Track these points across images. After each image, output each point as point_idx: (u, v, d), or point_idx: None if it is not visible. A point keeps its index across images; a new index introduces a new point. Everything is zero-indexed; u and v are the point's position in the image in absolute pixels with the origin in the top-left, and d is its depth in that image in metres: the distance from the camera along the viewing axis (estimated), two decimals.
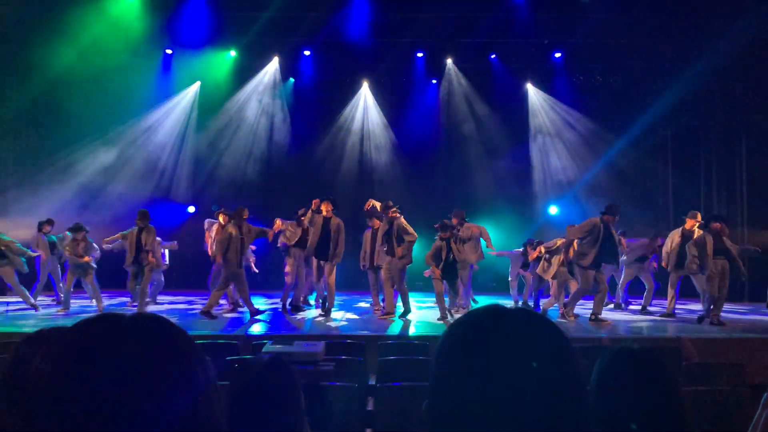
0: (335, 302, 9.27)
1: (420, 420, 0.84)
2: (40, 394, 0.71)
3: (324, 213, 8.89)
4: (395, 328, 7.68)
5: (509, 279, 10.89)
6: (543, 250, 9.26)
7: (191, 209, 13.73)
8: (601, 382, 1.55)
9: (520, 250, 10.35)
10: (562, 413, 0.77)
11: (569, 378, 0.80)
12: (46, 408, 0.69)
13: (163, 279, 10.69)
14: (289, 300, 9.31)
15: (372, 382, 5.01)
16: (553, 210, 13.86)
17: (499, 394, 0.76)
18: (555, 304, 9.05)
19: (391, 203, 8.82)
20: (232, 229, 8.55)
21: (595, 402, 1.50)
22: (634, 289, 10.87)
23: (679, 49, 12.21)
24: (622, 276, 10.28)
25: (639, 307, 9.88)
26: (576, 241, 8.54)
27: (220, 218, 9.47)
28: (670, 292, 9.14)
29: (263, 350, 4.31)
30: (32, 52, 11.89)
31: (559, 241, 9.11)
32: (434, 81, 14.23)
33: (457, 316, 6.95)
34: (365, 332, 7.24)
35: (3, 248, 9.10)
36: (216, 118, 13.96)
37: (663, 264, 9.40)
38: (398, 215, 8.71)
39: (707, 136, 12.91)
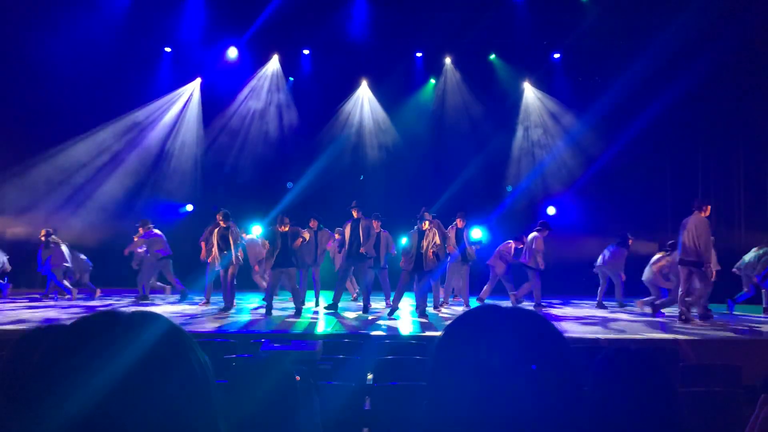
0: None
1: (418, 420, 0.84)
2: (37, 390, 0.71)
3: (355, 216, 9.44)
4: (393, 328, 7.68)
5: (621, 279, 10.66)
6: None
7: (189, 208, 13.73)
8: (598, 383, 1.55)
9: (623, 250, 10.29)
10: (560, 413, 0.78)
11: (566, 378, 0.80)
12: (44, 404, 0.69)
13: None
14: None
15: (369, 381, 5.00)
16: (551, 210, 13.88)
17: (497, 394, 0.76)
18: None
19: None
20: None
21: (592, 402, 1.50)
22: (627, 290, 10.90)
23: (678, 49, 12.21)
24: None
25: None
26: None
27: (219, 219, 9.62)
28: None
29: (261, 349, 4.31)
30: (27, 50, 11.86)
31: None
32: (433, 81, 14.24)
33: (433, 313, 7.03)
34: (363, 331, 7.24)
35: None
36: (214, 117, 13.96)
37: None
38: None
39: (705, 137, 12.91)
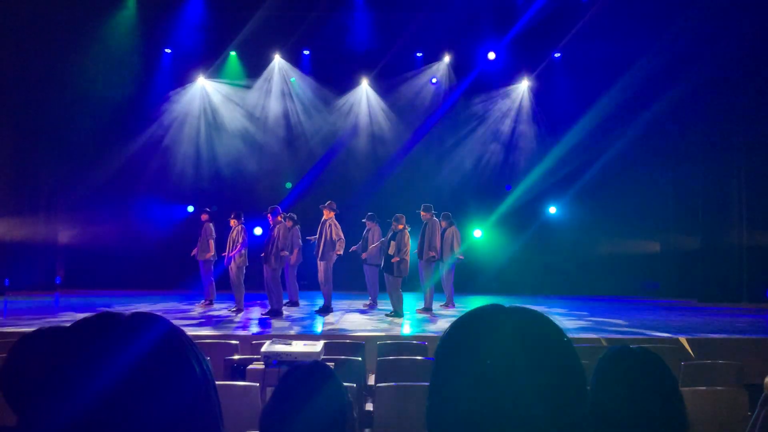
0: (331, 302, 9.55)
1: (419, 420, 0.84)
2: (37, 391, 0.70)
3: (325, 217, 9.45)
4: (395, 328, 7.69)
5: None
6: None
7: (190, 209, 13.73)
8: (600, 382, 1.54)
9: None
10: (563, 413, 0.77)
11: (569, 377, 0.80)
12: (43, 405, 0.69)
13: None
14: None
15: (371, 382, 5.00)
16: (552, 210, 13.88)
17: (500, 394, 0.76)
18: None
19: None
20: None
21: (595, 402, 1.50)
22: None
23: (679, 48, 12.21)
24: None
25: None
26: None
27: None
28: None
29: (262, 350, 4.31)
30: (29, 56, 11.88)
31: None
32: (434, 80, 14.25)
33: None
34: (365, 332, 7.24)
35: None
36: (215, 117, 13.95)
37: None
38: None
39: (706, 135, 12.88)
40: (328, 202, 9.53)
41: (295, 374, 1.84)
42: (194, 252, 9.83)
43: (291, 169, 13.78)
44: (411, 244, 9.06)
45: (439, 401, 0.81)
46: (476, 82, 13.93)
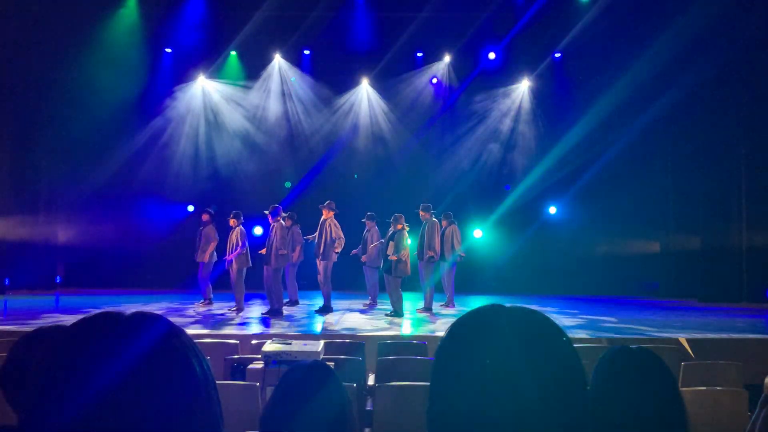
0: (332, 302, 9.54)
1: (419, 420, 0.84)
2: (38, 390, 0.70)
3: (324, 216, 9.41)
4: (396, 328, 7.69)
5: None
6: None
7: (190, 208, 13.72)
8: (600, 382, 1.54)
9: None
10: (563, 413, 0.77)
11: (569, 377, 0.80)
12: (44, 405, 0.69)
13: None
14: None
15: (371, 382, 5.00)
16: (552, 210, 13.88)
17: (500, 394, 0.76)
18: None
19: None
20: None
21: (595, 402, 1.50)
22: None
23: (679, 48, 12.21)
24: None
25: None
26: None
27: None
28: None
29: (262, 350, 4.31)
30: (29, 56, 11.89)
31: None
32: (434, 80, 14.25)
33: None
34: (365, 332, 7.25)
35: None
36: (215, 117, 13.94)
37: None
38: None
39: (707, 136, 12.88)
40: (328, 201, 9.54)
41: (295, 374, 1.85)
42: (198, 256, 9.89)
43: (291, 169, 13.77)
44: (410, 245, 9.06)
45: (440, 401, 0.81)
46: (476, 82, 13.92)
